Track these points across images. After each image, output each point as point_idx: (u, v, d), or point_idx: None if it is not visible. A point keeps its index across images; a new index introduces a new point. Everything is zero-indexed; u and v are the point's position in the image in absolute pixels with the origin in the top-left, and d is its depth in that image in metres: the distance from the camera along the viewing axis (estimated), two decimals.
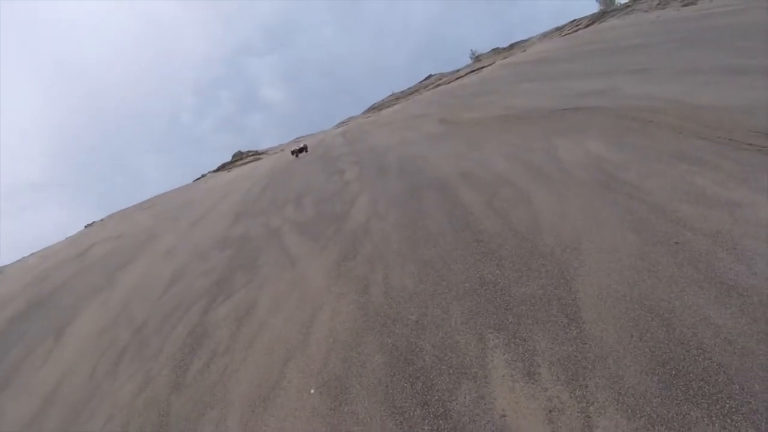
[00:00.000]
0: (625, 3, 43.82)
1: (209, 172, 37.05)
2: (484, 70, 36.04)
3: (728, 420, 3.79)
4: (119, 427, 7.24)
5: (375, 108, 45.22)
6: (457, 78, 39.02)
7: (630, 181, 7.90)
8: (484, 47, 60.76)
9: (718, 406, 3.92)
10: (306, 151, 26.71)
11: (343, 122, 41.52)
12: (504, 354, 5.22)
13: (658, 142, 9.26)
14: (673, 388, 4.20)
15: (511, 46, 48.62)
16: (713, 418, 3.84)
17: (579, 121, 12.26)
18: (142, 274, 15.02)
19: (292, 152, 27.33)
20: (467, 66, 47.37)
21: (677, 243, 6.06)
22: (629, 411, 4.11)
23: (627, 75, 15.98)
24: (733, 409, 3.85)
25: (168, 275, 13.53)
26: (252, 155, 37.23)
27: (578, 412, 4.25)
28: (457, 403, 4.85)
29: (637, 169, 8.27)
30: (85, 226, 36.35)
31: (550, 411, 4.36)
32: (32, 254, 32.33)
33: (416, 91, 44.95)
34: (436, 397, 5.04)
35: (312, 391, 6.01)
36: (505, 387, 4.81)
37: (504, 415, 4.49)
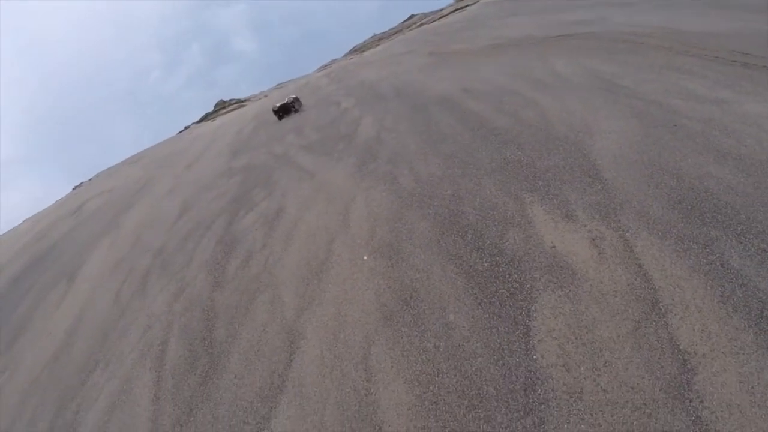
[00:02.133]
0: None
1: (192, 123, 36.72)
2: (467, 8, 35.90)
3: (742, 237, 4.61)
4: (160, 332, 7.67)
5: (357, 50, 44.64)
6: (441, 17, 38.69)
7: (627, 86, 8.58)
8: None
9: (731, 229, 4.75)
10: (295, 108, 19.82)
11: (325, 65, 40.93)
12: (541, 206, 5.99)
13: (649, 58, 9.91)
14: (692, 218, 5.03)
15: None
16: (730, 236, 4.67)
17: (571, 45, 12.78)
18: (147, 213, 15.22)
19: (277, 112, 20.18)
20: (450, 5, 47.00)
21: (675, 126, 6.83)
22: (660, 233, 4.94)
23: (612, 7, 16.37)
24: (745, 230, 4.67)
25: (176, 208, 13.78)
26: (235, 103, 36.97)
27: (617, 238, 5.07)
28: (509, 243, 5.59)
29: (633, 77, 8.94)
30: (73, 188, 36.01)
31: (593, 239, 5.16)
32: (23, 221, 31.92)
33: (399, 31, 44.40)
34: (488, 242, 5.76)
35: (365, 257, 6.61)
36: (549, 227, 5.58)
37: (554, 246, 5.27)
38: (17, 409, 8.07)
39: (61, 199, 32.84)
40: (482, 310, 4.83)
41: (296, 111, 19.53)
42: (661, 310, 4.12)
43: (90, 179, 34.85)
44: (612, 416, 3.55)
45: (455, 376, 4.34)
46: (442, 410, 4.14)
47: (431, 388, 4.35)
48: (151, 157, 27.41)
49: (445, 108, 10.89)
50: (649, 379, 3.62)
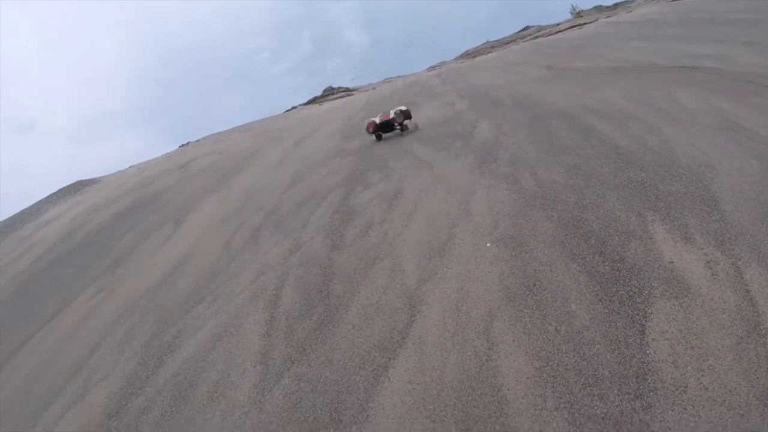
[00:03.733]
0: None
1: (300, 104, 37.79)
2: (585, 26, 35.62)
3: None
4: (274, 279, 8.38)
5: (469, 54, 44.75)
6: (558, 32, 38.60)
7: (750, 128, 8.84)
8: (584, 4, 58.89)
9: None
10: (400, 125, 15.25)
11: (435, 66, 41.30)
12: (662, 225, 6.52)
13: None
14: None
15: (615, 6, 47.47)
16: None
17: (695, 78, 12.93)
18: (257, 179, 16.09)
19: (373, 129, 15.53)
20: (567, 21, 46.58)
21: None
22: None
23: (739, 45, 16.17)
24: None
25: (288, 178, 14.47)
26: (343, 91, 37.87)
27: (730, 264, 5.57)
28: (630, 253, 6.14)
29: (756, 121, 9.16)
30: (180, 146, 37.72)
31: (708, 262, 5.67)
32: (129, 167, 33.58)
33: (513, 41, 44.23)
34: (610, 249, 6.32)
35: (488, 244, 7.23)
36: (668, 245, 6.11)
37: (672, 262, 5.81)
38: (111, 326, 8.95)
39: (167, 153, 34.26)
40: (602, 306, 5.46)
41: (401, 129, 15.38)
42: (762, 331, 4.68)
43: (197, 140, 36.27)
44: (711, 411, 4.16)
45: (574, 357, 5.00)
46: (559, 383, 4.81)
47: (550, 363, 5.03)
48: (260, 129, 28.31)
49: (566, 122, 11.24)
50: (746, 387, 4.21)
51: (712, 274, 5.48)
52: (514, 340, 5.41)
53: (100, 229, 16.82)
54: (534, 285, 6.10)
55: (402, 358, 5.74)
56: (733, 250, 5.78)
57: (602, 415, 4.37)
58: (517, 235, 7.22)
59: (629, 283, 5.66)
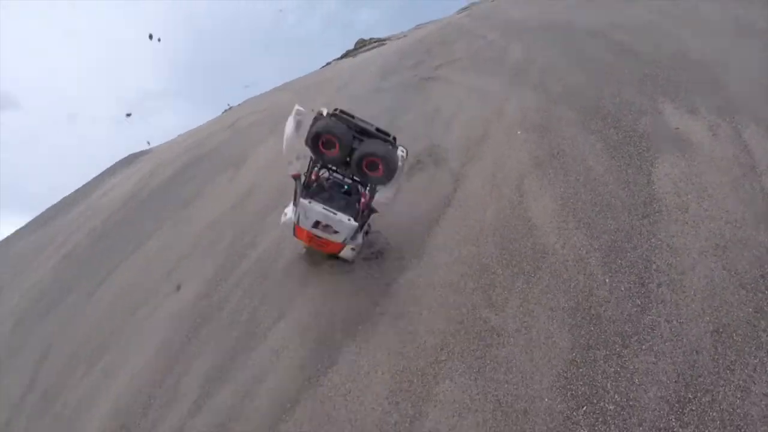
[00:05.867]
0: None
1: (333, 59, 37.88)
2: None
3: None
4: None
5: None
6: None
7: (763, 29, 9.53)
8: None
9: None
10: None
11: (465, 8, 41.13)
12: (671, 104, 7.41)
13: None
14: None
15: None
16: None
17: None
18: None
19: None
20: None
21: None
22: (767, 128, 6.40)
23: None
24: None
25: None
26: (375, 41, 37.86)
27: (730, 128, 6.49)
28: (640, 125, 7.09)
29: None
30: (223, 112, 38.07)
31: (710, 126, 6.61)
32: (178, 135, 34.43)
33: None
34: (624, 124, 7.26)
35: (519, 132, 8.21)
36: (675, 117, 7.04)
37: (677, 128, 6.79)
38: (193, 243, 10.10)
39: (211, 120, 34.91)
40: (615, 161, 6.47)
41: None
42: (757, 172, 5.66)
43: (239, 104, 36.65)
44: (710, 223, 5.21)
45: (590, 195, 6.04)
46: (578, 212, 5.87)
47: (571, 201, 6.08)
48: (299, 84, 28.44)
49: (592, 38, 11.86)
50: (742, 209, 5.24)
51: (713, 135, 6.43)
52: (540, 189, 6.47)
53: (162, 185, 17.42)
54: (558, 153, 7.11)
55: (449, 213, 6.90)
56: (734, 118, 6.70)
57: (615, 229, 5.45)
58: (544, 123, 8.13)
59: (639, 145, 6.64)
